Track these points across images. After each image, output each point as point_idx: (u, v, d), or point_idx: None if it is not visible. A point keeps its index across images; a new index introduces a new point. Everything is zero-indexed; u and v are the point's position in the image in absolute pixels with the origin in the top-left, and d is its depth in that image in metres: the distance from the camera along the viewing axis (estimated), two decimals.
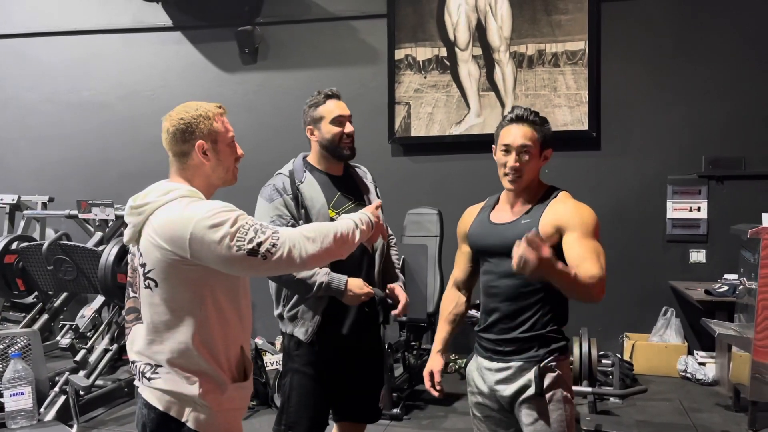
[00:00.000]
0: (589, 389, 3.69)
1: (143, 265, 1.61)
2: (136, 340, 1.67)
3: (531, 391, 1.87)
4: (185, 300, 1.59)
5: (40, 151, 6.02)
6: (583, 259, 1.77)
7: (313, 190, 2.30)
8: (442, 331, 2.15)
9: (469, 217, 2.13)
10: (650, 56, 5.01)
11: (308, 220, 2.25)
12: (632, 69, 5.03)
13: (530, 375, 1.87)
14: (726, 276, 4.43)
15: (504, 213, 2.00)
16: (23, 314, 4.71)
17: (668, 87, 4.98)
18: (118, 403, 4.07)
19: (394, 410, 3.85)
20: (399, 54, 5.33)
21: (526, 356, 1.89)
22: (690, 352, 4.75)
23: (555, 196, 1.95)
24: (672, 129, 4.98)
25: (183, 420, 1.60)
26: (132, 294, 1.71)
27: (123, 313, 1.77)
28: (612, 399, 4.04)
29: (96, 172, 5.67)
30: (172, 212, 1.57)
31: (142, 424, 1.65)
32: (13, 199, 5.15)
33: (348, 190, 2.38)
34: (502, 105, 5.15)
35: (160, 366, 1.61)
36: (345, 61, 5.53)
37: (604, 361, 4.37)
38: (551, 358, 1.88)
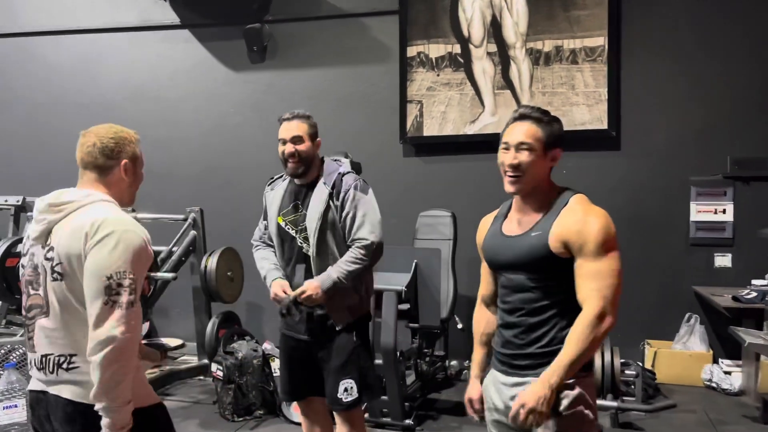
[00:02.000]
0: (614, 404, 3.53)
1: (50, 259, 1.69)
2: (43, 333, 1.73)
3: None
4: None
5: (46, 152, 5.94)
6: (586, 298, 1.71)
7: (275, 196, 2.66)
8: (478, 354, 2.05)
9: (483, 227, 2.03)
10: (673, 52, 4.83)
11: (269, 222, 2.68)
12: (654, 65, 4.85)
13: None
14: (754, 281, 4.25)
15: (515, 223, 1.89)
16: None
17: (692, 84, 4.81)
18: None
19: (407, 421, 3.70)
20: (411, 51, 5.18)
21: (540, 372, 1.76)
22: (715, 361, 4.56)
23: (566, 203, 1.81)
24: (695, 128, 4.80)
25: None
26: (33, 291, 1.76)
27: (24, 311, 1.81)
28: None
29: None
30: (111, 214, 1.72)
31: (68, 421, 1.68)
32: (17, 201, 5.06)
33: (303, 199, 2.60)
34: (518, 103, 4.98)
35: (75, 355, 1.69)
36: (355, 59, 5.41)
37: (626, 371, 4.19)
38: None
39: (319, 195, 2.56)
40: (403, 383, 3.87)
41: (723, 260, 4.75)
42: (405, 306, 3.69)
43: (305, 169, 2.57)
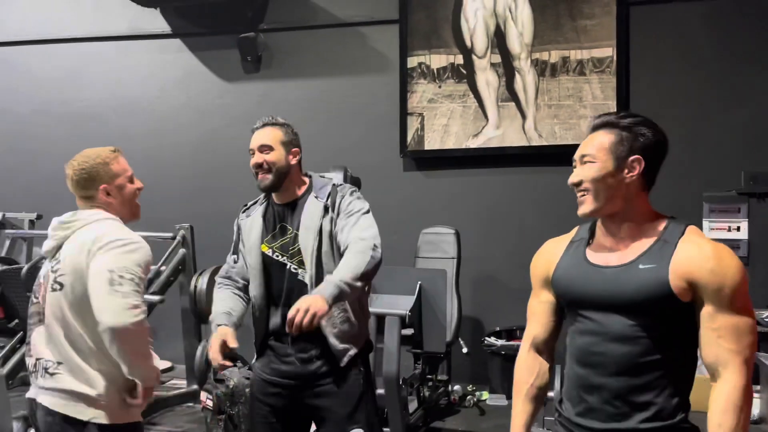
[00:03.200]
0: None
1: (55, 271, 1.88)
2: (38, 339, 1.91)
3: None
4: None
5: (28, 166, 5.74)
6: (723, 361, 1.38)
7: (253, 223, 2.33)
8: (523, 412, 1.64)
9: (552, 254, 1.65)
10: (683, 63, 4.67)
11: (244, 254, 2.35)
12: (664, 77, 4.69)
13: None
14: None
15: (609, 251, 1.53)
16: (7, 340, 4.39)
17: (703, 96, 4.65)
18: None
19: None
20: (412, 62, 5.00)
21: None
22: None
23: (683, 233, 1.49)
24: (708, 142, 4.63)
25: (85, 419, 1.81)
26: (35, 300, 1.95)
27: (28, 319, 1.97)
28: None
29: None
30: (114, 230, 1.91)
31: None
32: (2, 215, 4.87)
33: (290, 220, 2.29)
34: (523, 116, 4.81)
35: (61, 363, 1.84)
36: (354, 69, 5.24)
37: None
38: None
39: (312, 209, 2.23)
40: (406, 412, 3.65)
41: None
42: (409, 331, 3.48)
43: (276, 182, 2.23)
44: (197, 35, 5.54)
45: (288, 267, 2.24)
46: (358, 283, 2.01)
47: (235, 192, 5.51)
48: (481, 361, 4.82)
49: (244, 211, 2.41)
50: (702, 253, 1.42)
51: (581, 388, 1.52)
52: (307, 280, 2.19)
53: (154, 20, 5.56)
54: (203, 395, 3.74)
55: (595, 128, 1.56)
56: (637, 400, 1.44)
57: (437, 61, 4.97)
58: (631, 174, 1.50)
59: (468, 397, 4.50)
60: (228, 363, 2.18)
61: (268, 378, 2.29)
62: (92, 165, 1.93)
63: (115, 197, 1.96)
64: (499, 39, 4.87)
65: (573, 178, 1.54)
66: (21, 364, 3.84)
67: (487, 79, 4.90)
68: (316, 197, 2.26)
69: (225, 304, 2.32)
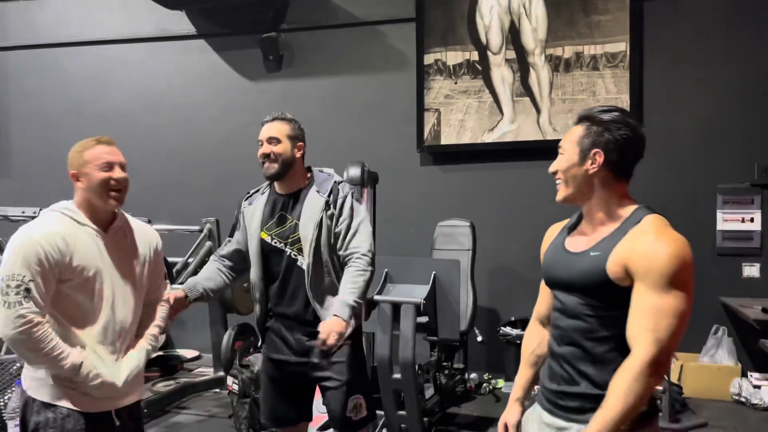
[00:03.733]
0: None
1: None
2: None
3: None
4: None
5: (63, 164, 5.93)
6: (636, 337, 1.45)
7: (255, 210, 2.51)
8: (524, 375, 1.83)
9: (548, 238, 1.82)
10: (697, 57, 4.72)
11: (245, 240, 2.53)
12: (678, 71, 4.74)
13: None
14: None
15: (580, 237, 1.67)
16: None
17: (717, 89, 4.69)
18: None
19: None
20: (428, 59, 5.12)
21: (589, 417, 1.49)
22: (744, 374, 4.41)
23: (637, 222, 1.55)
24: (721, 135, 4.68)
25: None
26: None
27: None
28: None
29: None
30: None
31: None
32: (34, 212, 5.04)
33: (291, 209, 2.46)
34: (537, 111, 4.89)
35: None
36: (372, 67, 5.37)
37: None
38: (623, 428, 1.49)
39: (314, 203, 2.43)
40: (422, 397, 3.78)
41: (751, 270, 4.61)
42: (423, 319, 3.59)
43: (281, 171, 2.43)
44: (221, 36, 5.70)
45: (287, 253, 2.43)
46: (363, 299, 2.37)
47: (257, 186, 5.70)
48: (497, 350, 4.93)
49: (246, 199, 2.59)
50: (642, 240, 1.50)
51: (549, 354, 1.71)
52: (304, 267, 2.40)
53: (180, 22, 5.74)
54: (229, 380, 3.91)
55: (577, 121, 1.67)
56: (584, 369, 1.57)
57: (453, 57, 5.08)
58: (592, 165, 1.59)
59: (484, 385, 4.62)
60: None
61: (274, 357, 2.51)
62: (72, 153, 2.01)
63: (83, 182, 1.98)
64: (513, 35, 4.96)
65: (550, 168, 1.68)
66: None
67: (502, 75, 4.99)
68: (317, 191, 2.44)
69: (200, 275, 2.55)
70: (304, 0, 5.47)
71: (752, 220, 4.60)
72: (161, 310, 2.23)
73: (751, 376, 4.38)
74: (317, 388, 2.56)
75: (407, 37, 5.21)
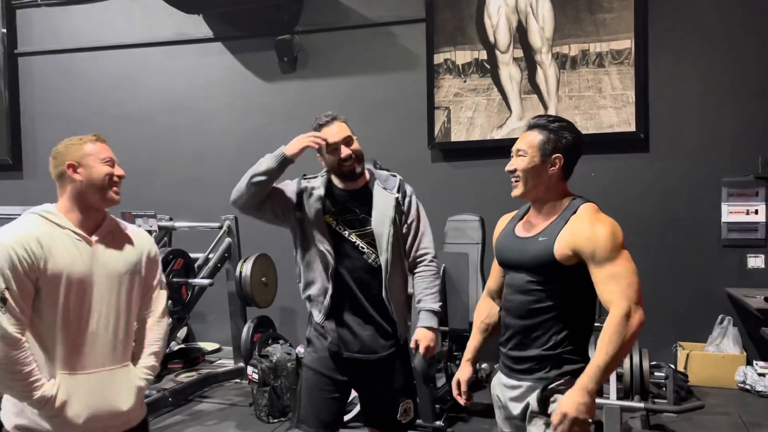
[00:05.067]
0: (641, 405, 3.52)
1: None
2: None
3: (536, 411, 1.82)
4: None
5: None
6: (610, 301, 1.73)
7: (314, 195, 2.37)
8: (474, 339, 2.13)
9: (500, 226, 2.11)
10: (701, 53, 4.80)
11: (302, 225, 2.37)
12: (682, 67, 4.82)
13: (535, 396, 1.82)
14: None
15: (528, 225, 1.95)
16: None
17: (721, 84, 4.77)
18: (163, 412, 4.11)
19: (437, 423, 3.76)
20: (438, 58, 5.25)
21: (537, 377, 1.84)
22: (749, 363, 4.51)
23: (575, 211, 1.86)
24: (726, 128, 4.76)
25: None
26: None
27: None
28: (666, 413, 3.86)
29: (141, 183, 5.72)
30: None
31: None
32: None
33: (357, 203, 2.38)
34: (545, 107, 5.01)
35: None
36: (384, 67, 5.50)
37: (657, 373, 4.18)
38: (562, 381, 1.81)
39: (384, 199, 2.36)
40: (434, 386, 3.93)
41: (756, 261, 4.70)
42: None
43: (363, 168, 2.38)
44: (237, 38, 5.86)
45: (356, 244, 2.33)
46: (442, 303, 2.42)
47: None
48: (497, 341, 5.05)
49: (304, 178, 2.47)
50: (581, 227, 1.79)
51: (503, 325, 1.98)
52: (382, 263, 2.31)
53: (198, 26, 5.91)
54: (249, 369, 4.08)
55: (530, 128, 1.93)
56: (531, 335, 1.86)
57: (462, 57, 5.21)
58: (552, 168, 1.88)
59: (486, 374, 4.74)
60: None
61: (336, 352, 2.36)
62: (65, 145, 1.89)
63: (81, 174, 1.82)
64: (521, 34, 5.08)
65: (509, 167, 1.92)
66: None
67: (510, 73, 5.11)
68: (384, 188, 2.39)
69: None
70: (317, 2, 5.61)
71: (756, 212, 4.68)
72: (156, 331, 1.97)
73: (756, 364, 4.48)
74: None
75: (417, 37, 5.34)
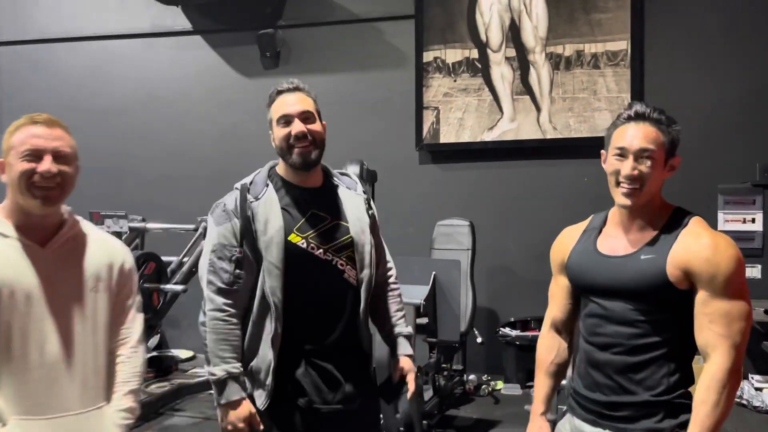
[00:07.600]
0: None
1: None
2: None
3: None
4: None
5: None
6: (712, 345, 1.45)
7: (270, 209, 1.80)
8: (544, 386, 1.75)
9: (568, 241, 1.74)
10: (698, 56, 4.68)
11: (255, 251, 1.79)
12: (678, 70, 4.71)
13: None
14: None
15: (616, 240, 1.61)
16: None
17: (718, 89, 4.65)
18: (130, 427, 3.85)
19: None
20: (427, 56, 5.07)
21: (644, 426, 1.51)
22: (745, 377, 4.38)
23: (685, 224, 1.55)
24: (722, 134, 4.64)
25: None
26: None
27: None
28: None
29: (112, 181, 5.48)
30: None
31: None
32: None
33: (325, 207, 1.89)
34: (538, 109, 4.85)
35: None
36: (370, 64, 5.31)
37: None
38: None
39: (353, 201, 1.93)
40: (421, 399, 3.74)
41: (753, 271, 4.58)
42: (423, 320, 3.56)
43: (319, 159, 1.87)
44: (217, 32, 5.64)
45: (332, 262, 1.84)
46: None
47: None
48: (496, 352, 4.88)
49: (248, 192, 1.87)
50: (699, 243, 1.49)
51: (588, 363, 1.62)
52: (364, 280, 1.87)
53: (176, 18, 5.67)
54: None
55: (640, 118, 1.56)
56: (635, 377, 1.53)
57: (453, 55, 5.03)
58: (671, 173, 1.59)
59: (483, 387, 4.57)
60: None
61: (315, 405, 1.87)
62: (4, 134, 1.62)
63: (5, 174, 1.56)
64: (513, 33, 4.92)
65: (631, 171, 1.53)
66: None
67: (502, 73, 4.95)
68: (347, 188, 1.97)
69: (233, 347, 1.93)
70: None
71: (753, 220, 4.58)
72: (132, 363, 1.64)
73: (753, 378, 4.35)
74: None
75: (406, 34, 5.16)
